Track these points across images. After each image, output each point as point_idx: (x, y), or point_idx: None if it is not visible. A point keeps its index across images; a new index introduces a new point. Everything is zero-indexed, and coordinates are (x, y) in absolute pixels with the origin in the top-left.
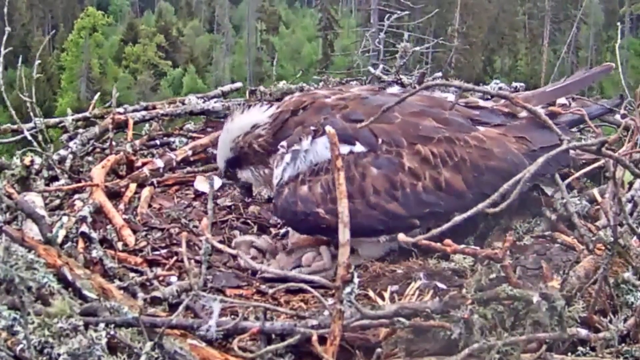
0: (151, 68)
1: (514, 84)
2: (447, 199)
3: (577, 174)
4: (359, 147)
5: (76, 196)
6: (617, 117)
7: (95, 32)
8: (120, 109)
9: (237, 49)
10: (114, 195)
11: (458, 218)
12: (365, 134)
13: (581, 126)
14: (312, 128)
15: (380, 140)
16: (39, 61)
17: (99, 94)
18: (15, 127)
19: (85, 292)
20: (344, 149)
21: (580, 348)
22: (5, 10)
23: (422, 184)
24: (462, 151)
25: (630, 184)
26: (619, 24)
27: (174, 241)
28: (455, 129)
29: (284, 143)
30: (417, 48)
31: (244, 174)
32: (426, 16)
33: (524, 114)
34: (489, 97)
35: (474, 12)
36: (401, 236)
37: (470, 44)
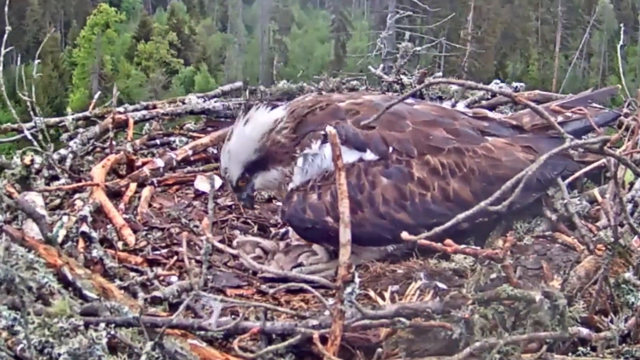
0: (163, 66)
1: (514, 84)
2: (455, 210)
3: (577, 174)
4: (369, 155)
5: (76, 196)
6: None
7: (107, 29)
8: (121, 109)
9: (250, 49)
10: (115, 195)
11: (461, 216)
12: (377, 141)
13: None
14: (322, 132)
15: (391, 149)
16: (39, 60)
17: (99, 92)
18: (15, 126)
19: (85, 291)
20: (354, 155)
21: (580, 348)
22: (7, 9)
23: (430, 195)
24: (471, 162)
25: (631, 184)
26: (622, 25)
27: (175, 241)
28: (465, 140)
29: (300, 146)
30: (419, 49)
31: (267, 176)
32: (440, 20)
33: (529, 125)
34: (492, 95)
35: (488, 17)
36: (404, 234)
37: (484, 48)
